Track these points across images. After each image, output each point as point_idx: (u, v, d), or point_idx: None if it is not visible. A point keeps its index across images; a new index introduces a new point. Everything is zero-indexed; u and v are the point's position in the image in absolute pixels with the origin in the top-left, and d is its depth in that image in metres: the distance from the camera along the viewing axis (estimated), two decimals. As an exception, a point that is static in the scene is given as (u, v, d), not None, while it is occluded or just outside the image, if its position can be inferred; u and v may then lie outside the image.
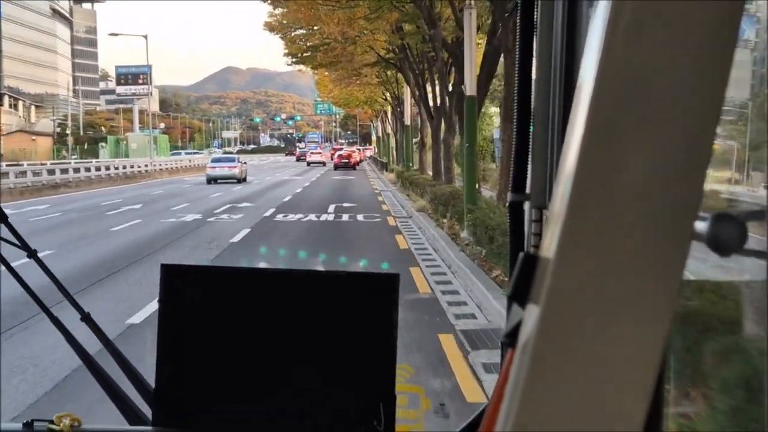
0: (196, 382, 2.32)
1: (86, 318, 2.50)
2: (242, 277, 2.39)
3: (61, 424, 2.21)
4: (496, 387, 1.14)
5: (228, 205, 35.14)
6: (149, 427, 2.36)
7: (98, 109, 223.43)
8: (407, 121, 53.11)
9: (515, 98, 1.81)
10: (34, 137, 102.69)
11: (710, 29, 0.73)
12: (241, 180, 56.70)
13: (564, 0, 1.69)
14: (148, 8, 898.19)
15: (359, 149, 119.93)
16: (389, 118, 75.85)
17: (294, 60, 46.90)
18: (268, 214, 30.80)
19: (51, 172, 52.72)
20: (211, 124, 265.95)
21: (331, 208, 33.19)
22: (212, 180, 56.27)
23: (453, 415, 4.26)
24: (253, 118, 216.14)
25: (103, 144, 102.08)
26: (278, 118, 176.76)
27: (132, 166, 68.63)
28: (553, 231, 0.79)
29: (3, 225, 2.42)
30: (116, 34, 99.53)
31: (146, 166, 71.18)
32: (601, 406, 0.77)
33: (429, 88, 38.84)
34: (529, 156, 1.74)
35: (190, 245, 20.56)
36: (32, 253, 2.46)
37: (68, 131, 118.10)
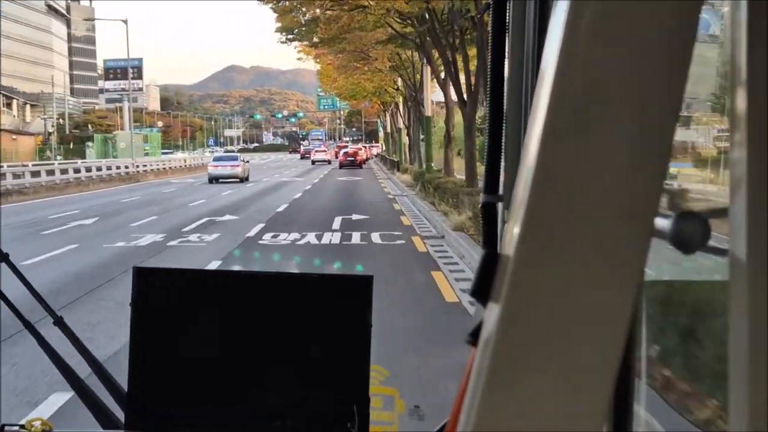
0: (169, 385, 2.28)
1: (59, 322, 2.43)
2: (215, 279, 2.39)
3: (32, 429, 2.16)
4: (460, 387, 1.12)
5: (205, 219, 27.25)
6: (122, 431, 2.30)
7: (97, 107, 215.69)
8: (427, 111, 44.52)
9: (487, 98, 1.72)
10: (14, 136, 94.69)
11: (668, 28, 0.74)
12: (243, 179, 54.44)
13: (534, 3, 1.69)
14: (151, 7, 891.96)
15: (365, 147, 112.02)
16: (401, 111, 67.39)
17: (288, 37, 38.50)
18: (252, 232, 22.91)
19: (18, 175, 45.05)
20: (213, 123, 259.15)
21: (337, 221, 25.32)
22: (214, 179, 53.92)
23: (428, 416, 3.15)
24: (254, 115, 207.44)
25: (90, 143, 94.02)
26: (279, 115, 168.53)
27: (118, 168, 60.71)
28: (514, 228, 0.78)
29: None
30: (90, 19, 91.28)
31: (127, 167, 63.18)
32: (561, 405, 0.76)
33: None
34: (502, 156, 1.68)
35: (114, 304, 12.22)
36: (4, 257, 2.41)
37: (52, 130, 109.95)
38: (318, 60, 58.32)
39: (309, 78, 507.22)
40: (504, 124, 1.65)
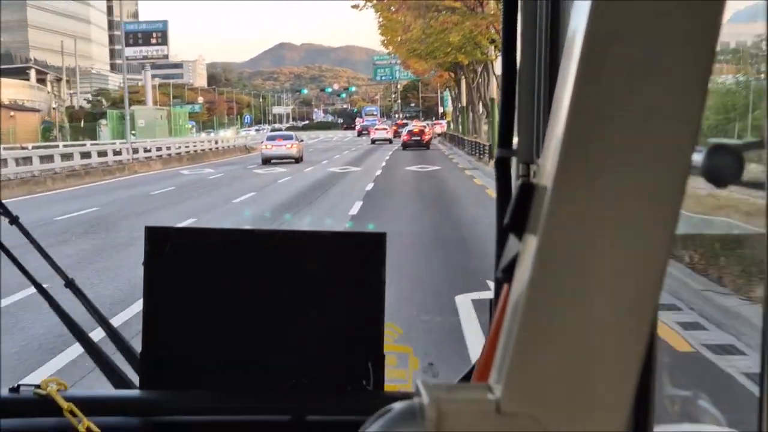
0: (183, 345, 2.25)
1: (70, 284, 2.42)
2: (228, 237, 2.32)
3: (48, 389, 2.13)
4: (493, 323, 1.08)
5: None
6: (136, 391, 2.29)
7: (140, 84, 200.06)
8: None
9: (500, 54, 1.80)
10: (12, 113, 77.92)
11: (691, 29, 0.74)
12: (298, 159, 49.70)
13: None
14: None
15: (428, 124, 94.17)
16: (495, 73, 48.39)
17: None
18: None
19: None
20: (261, 100, 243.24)
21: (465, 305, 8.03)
22: (267, 160, 49.20)
23: (443, 372, 3.49)
24: (301, 89, 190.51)
25: (104, 121, 77.05)
26: (329, 89, 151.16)
27: (103, 155, 43.38)
28: (551, 159, 0.77)
29: None
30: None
31: (120, 153, 45.79)
32: (600, 339, 0.75)
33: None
34: (516, 111, 1.73)
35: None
36: (14, 219, 2.41)
37: (55, 105, 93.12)
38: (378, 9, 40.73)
39: (360, 55, 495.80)
40: (517, 80, 1.68)
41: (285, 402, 2.24)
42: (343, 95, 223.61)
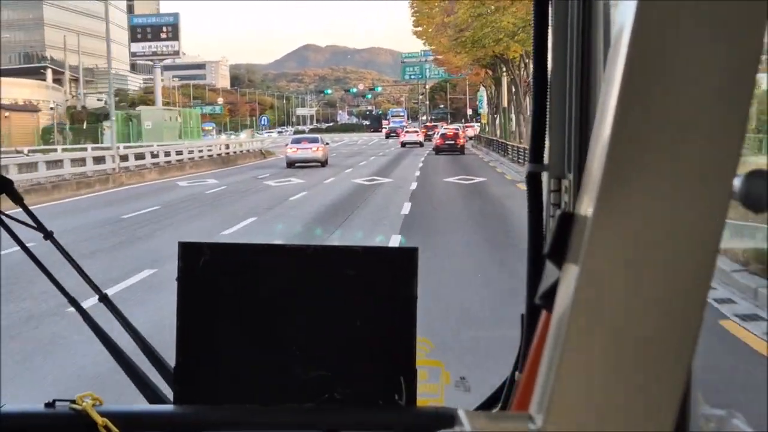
0: (217, 360, 2.26)
1: (104, 298, 2.43)
2: (261, 253, 2.33)
3: (83, 404, 2.15)
4: (531, 351, 1.07)
5: None
6: (170, 406, 2.29)
7: (162, 85, 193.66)
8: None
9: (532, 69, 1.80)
10: (7, 113, 70.77)
11: (737, 28, 0.72)
12: (323, 163, 47.67)
13: None
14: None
15: (460, 127, 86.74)
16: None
17: None
18: None
19: None
20: (284, 101, 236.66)
21: None
22: (292, 164, 47.60)
23: (474, 388, 3.14)
24: (325, 90, 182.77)
25: (108, 123, 69.75)
26: (353, 90, 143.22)
27: (79, 163, 35.90)
28: (592, 186, 0.76)
29: (20, 207, 2.36)
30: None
31: (102, 162, 38.12)
32: (644, 376, 0.74)
33: None
34: (547, 127, 1.72)
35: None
36: (48, 235, 2.39)
37: (53, 105, 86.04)
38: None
39: (385, 57, 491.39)
40: (548, 97, 1.67)
41: (317, 416, 2.22)
42: (369, 96, 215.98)
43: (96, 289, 2.42)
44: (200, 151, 52.68)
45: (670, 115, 0.73)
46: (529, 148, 1.74)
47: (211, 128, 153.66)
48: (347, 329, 2.24)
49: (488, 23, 40.04)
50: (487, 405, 2.14)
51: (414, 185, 33.00)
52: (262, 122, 71.71)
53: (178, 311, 2.25)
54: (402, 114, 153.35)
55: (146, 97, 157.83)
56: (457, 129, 76.06)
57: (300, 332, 2.24)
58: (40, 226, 2.40)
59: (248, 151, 61.60)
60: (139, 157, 42.50)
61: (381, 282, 2.24)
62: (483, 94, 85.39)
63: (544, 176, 1.75)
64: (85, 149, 48.66)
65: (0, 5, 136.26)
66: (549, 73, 1.73)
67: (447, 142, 65.00)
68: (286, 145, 51.72)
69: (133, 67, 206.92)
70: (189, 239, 2.31)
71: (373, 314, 2.24)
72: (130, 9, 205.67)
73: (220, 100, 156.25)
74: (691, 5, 0.73)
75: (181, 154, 48.77)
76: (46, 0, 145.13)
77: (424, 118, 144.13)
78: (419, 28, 55.38)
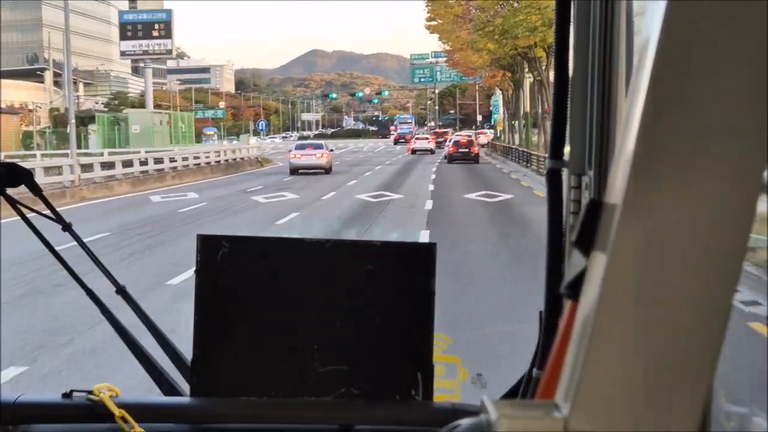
0: (234, 353, 2.26)
1: (121, 290, 2.42)
2: (279, 246, 2.32)
3: (101, 395, 2.15)
4: (555, 345, 1.09)
5: None
6: (187, 398, 2.29)
7: (164, 88, 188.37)
8: None
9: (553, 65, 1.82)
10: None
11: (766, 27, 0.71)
12: (327, 170, 45.01)
13: None
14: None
15: (472, 134, 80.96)
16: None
17: None
18: None
19: None
20: (290, 106, 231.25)
21: None
22: (295, 170, 44.96)
23: (490, 384, 3.11)
24: (330, 94, 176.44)
25: (93, 126, 63.88)
26: (359, 94, 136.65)
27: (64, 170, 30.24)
28: (621, 176, 0.76)
29: (38, 198, 2.35)
30: None
31: (59, 172, 32.19)
32: (672, 365, 0.74)
33: None
34: (567, 123, 1.73)
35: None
36: (67, 226, 2.39)
37: (33, 107, 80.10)
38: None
39: (392, 63, 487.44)
40: (569, 94, 1.67)
41: (334, 411, 2.23)
42: (375, 101, 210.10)
43: (114, 281, 2.40)
44: (185, 159, 46.49)
45: (699, 111, 0.73)
46: (549, 145, 1.72)
47: (212, 133, 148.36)
48: (365, 324, 2.22)
49: (522, 9, 34.16)
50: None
51: (429, 204, 27.30)
52: (260, 127, 64.62)
53: (196, 304, 2.24)
54: (410, 121, 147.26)
55: (142, 100, 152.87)
56: (470, 136, 70.42)
57: (317, 326, 2.22)
58: (58, 218, 2.38)
59: (243, 159, 55.78)
60: (108, 166, 36.58)
61: (399, 277, 2.23)
62: (498, 98, 79.29)
63: (564, 173, 1.73)
64: (66, 155, 42.95)
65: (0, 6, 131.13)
66: (570, 70, 1.69)
67: (460, 150, 59.32)
68: (289, 151, 49.16)
69: (136, 71, 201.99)
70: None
71: (391, 309, 2.22)
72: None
73: (222, 104, 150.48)
74: (718, 5, 0.72)
75: (171, 161, 43.18)
76: (44, 0, 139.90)
77: (432, 124, 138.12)
78: (434, 23, 49.52)
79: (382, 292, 2.23)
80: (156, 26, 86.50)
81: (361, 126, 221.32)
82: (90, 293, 2.39)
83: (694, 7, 0.73)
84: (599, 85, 1.69)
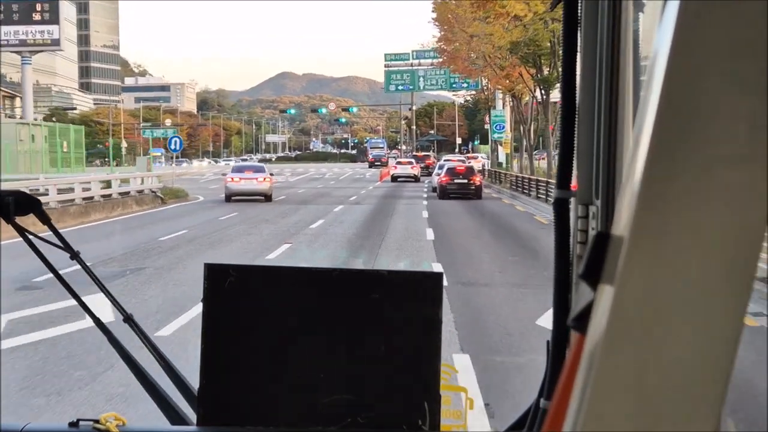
0: (241, 382, 2.23)
1: (128, 319, 2.39)
2: (286, 275, 2.29)
3: (107, 424, 2.12)
4: (562, 376, 1.08)
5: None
6: (194, 427, 2.25)
7: (119, 106, 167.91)
8: None
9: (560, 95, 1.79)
10: None
11: None
12: (268, 197, 37.74)
13: None
14: (207, 11, 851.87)
15: (465, 159, 61.64)
16: None
17: None
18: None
19: None
20: (254, 127, 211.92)
21: None
22: (231, 197, 37.14)
23: (497, 414, 3.45)
24: (288, 110, 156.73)
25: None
26: (322, 110, 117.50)
27: None
28: (628, 207, 0.75)
29: (47, 227, 2.31)
30: None
31: None
32: (679, 399, 0.72)
33: None
34: (575, 153, 1.70)
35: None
36: (75, 255, 2.36)
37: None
38: None
39: (362, 86, 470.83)
40: (576, 122, 1.64)
41: None
42: (342, 120, 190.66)
43: (121, 309, 2.37)
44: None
45: (706, 141, 0.71)
46: (556, 175, 1.70)
47: (159, 154, 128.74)
48: (372, 353, 2.18)
49: None
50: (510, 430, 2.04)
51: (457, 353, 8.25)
52: (171, 145, 44.47)
53: (203, 332, 2.20)
54: (381, 145, 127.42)
55: (90, 118, 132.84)
56: (463, 161, 51.46)
57: (324, 355, 2.19)
58: (66, 246, 2.34)
59: (140, 192, 35.82)
60: None
61: (406, 306, 2.19)
62: (503, 112, 59.16)
63: (572, 202, 1.70)
64: None
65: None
66: (577, 98, 1.67)
67: (457, 180, 40.35)
68: (224, 174, 42.65)
69: (87, 87, 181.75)
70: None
71: (398, 338, 2.18)
72: (83, 24, 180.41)
73: (168, 122, 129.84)
74: (724, 37, 0.71)
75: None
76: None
77: (404, 147, 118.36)
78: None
79: (389, 322, 2.18)
80: (39, 6, 65.08)
81: (329, 149, 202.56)
82: (97, 321, 2.33)
83: (700, 36, 0.71)
84: (606, 117, 1.64)
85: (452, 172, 40.96)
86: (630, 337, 0.72)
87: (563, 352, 1.63)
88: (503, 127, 54.31)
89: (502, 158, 58.64)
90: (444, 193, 40.21)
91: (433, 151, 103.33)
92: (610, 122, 1.63)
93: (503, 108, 58.72)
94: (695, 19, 0.71)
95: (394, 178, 61.24)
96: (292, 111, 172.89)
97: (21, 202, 2.25)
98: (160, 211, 32.85)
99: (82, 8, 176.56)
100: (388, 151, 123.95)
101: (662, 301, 0.72)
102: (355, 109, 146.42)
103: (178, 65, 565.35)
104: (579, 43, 1.66)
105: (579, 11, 1.64)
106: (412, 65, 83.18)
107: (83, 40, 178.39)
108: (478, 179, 41.34)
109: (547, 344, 1.71)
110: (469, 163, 50.81)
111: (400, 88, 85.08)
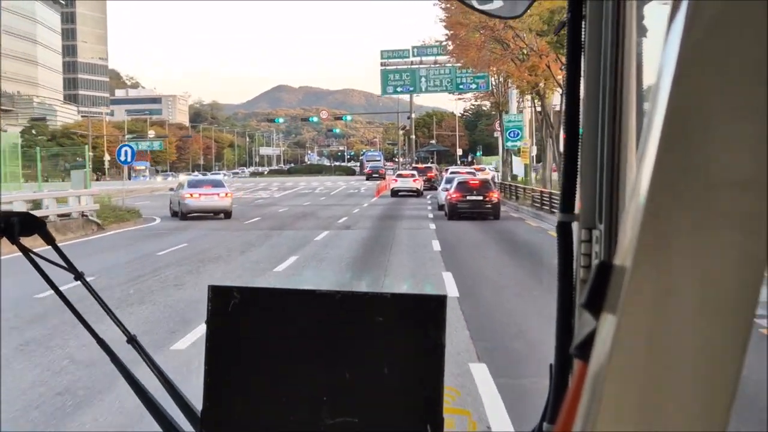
0: (244, 404, 2.22)
1: (132, 340, 2.36)
2: (289, 298, 2.29)
3: None
4: (565, 402, 1.08)
5: None
6: None
7: (107, 118, 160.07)
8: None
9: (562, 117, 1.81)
10: None
11: None
12: (227, 214, 34.68)
13: (612, 20, 1.61)
14: (205, 26, 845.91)
15: (473, 170, 53.61)
16: None
17: None
18: None
19: None
20: (247, 139, 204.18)
21: None
22: (188, 214, 33.83)
23: None
24: (275, 119, 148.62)
25: None
26: (314, 119, 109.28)
27: None
28: (630, 235, 0.74)
29: (51, 248, 2.30)
30: None
31: None
32: (684, 420, 0.72)
33: None
34: (578, 176, 1.67)
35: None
36: (79, 275, 2.36)
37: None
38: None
39: (358, 99, 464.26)
40: (579, 146, 1.65)
41: None
42: (336, 130, 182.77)
43: (125, 330, 2.33)
44: None
45: (709, 166, 0.71)
46: (560, 198, 1.67)
47: (144, 168, 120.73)
48: (375, 375, 2.17)
49: None
50: None
51: None
52: (121, 156, 37.15)
53: (207, 354, 2.21)
54: (378, 159, 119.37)
55: (71, 129, 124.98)
56: (473, 173, 43.67)
57: (327, 378, 2.18)
58: (71, 267, 2.34)
59: (61, 217, 27.72)
60: None
61: (410, 329, 2.17)
62: (520, 116, 50.38)
63: (575, 226, 1.67)
64: None
65: None
66: (581, 122, 1.64)
67: (470, 197, 32.47)
68: (171, 189, 39.66)
69: (73, 99, 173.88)
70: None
71: (401, 361, 2.17)
72: (69, 34, 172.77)
73: (152, 133, 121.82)
74: (730, 58, 0.70)
75: None
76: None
77: (402, 159, 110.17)
78: None
79: (392, 344, 2.17)
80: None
81: (325, 161, 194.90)
82: (100, 342, 2.31)
83: (703, 62, 0.71)
84: (609, 138, 1.61)
85: (464, 187, 33.01)
86: (633, 367, 0.72)
87: (566, 377, 1.63)
88: (519, 135, 45.87)
89: (517, 170, 50.16)
90: (454, 212, 32.31)
91: (432, 162, 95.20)
92: (613, 146, 1.61)
93: (518, 112, 49.87)
94: (698, 45, 0.70)
95: (394, 193, 53.45)
96: (280, 120, 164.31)
97: (26, 223, 2.24)
98: (85, 243, 24.66)
99: (69, 18, 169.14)
100: (385, 164, 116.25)
101: (665, 331, 0.72)
102: (348, 118, 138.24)
103: (177, 80, 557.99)
104: (582, 68, 1.64)
105: (583, 37, 1.63)
106: (412, 63, 69.68)
107: (69, 50, 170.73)
108: (495, 195, 33.40)
109: (550, 368, 1.69)
110: (481, 175, 42.87)
111: (398, 90, 70.56)
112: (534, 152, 47.28)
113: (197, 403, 2.24)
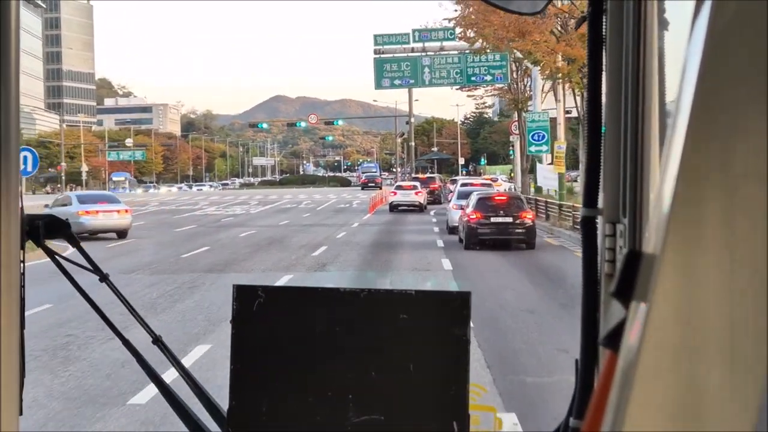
0: (270, 403, 2.22)
1: (158, 341, 2.36)
2: (314, 296, 2.29)
3: None
4: (594, 395, 1.05)
5: None
6: None
7: (94, 128, 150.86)
8: None
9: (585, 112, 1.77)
10: None
11: None
12: (121, 234, 30.53)
13: (633, 15, 1.61)
14: (203, 35, 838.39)
15: (488, 184, 43.98)
16: None
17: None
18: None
19: None
20: (240, 149, 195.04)
21: None
22: (83, 233, 27.58)
23: None
24: (259, 124, 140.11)
25: None
26: (301, 124, 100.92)
27: None
28: (659, 226, 0.73)
29: (76, 250, 2.29)
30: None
31: None
32: (714, 415, 0.70)
33: None
34: (601, 171, 1.68)
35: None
36: (104, 277, 2.36)
37: None
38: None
39: (355, 109, 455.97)
40: (603, 140, 1.63)
41: None
42: (329, 138, 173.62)
43: (150, 331, 2.33)
44: None
45: (736, 159, 0.70)
46: (582, 192, 1.68)
47: (123, 179, 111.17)
48: (400, 373, 2.17)
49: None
50: None
51: None
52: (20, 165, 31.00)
53: (232, 353, 2.21)
54: (374, 170, 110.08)
55: (47, 138, 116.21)
56: (489, 184, 34.52)
57: (353, 375, 2.18)
58: (96, 269, 2.33)
59: None
60: None
61: (434, 326, 2.17)
62: (545, 115, 39.03)
63: (599, 220, 1.68)
64: None
65: None
66: (603, 114, 1.64)
67: (495, 218, 23.25)
68: (45, 205, 31.14)
69: (57, 107, 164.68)
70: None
71: (427, 358, 2.17)
72: (52, 40, 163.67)
73: (129, 141, 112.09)
74: (754, 55, 0.70)
75: None
76: None
77: (399, 169, 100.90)
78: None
79: (417, 341, 2.16)
80: None
81: (322, 172, 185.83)
82: (126, 343, 2.30)
83: (728, 56, 0.71)
84: (632, 133, 1.61)
85: (486, 206, 23.66)
86: (665, 356, 0.71)
87: (592, 371, 1.61)
88: (545, 137, 35.94)
89: (544, 181, 40.50)
90: (473, 239, 23.10)
91: (431, 172, 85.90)
92: (636, 141, 1.61)
93: (555, 108, 39.10)
94: (722, 42, 0.70)
95: (393, 207, 44.59)
96: (264, 125, 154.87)
97: (51, 225, 2.20)
98: None
99: (53, 23, 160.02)
100: (381, 173, 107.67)
101: (696, 318, 0.70)
102: (340, 122, 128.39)
103: (173, 90, 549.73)
104: (604, 62, 1.63)
105: (604, 30, 1.62)
106: (413, 50, 53.69)
107: (53, 57, 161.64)
108: (530, 217, 24.11)
109: (576, 363, 1.67)
110: (504, 187, 33.58)
111: (396, 83, 54.55)
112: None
113: (223, 403, 2.21)
